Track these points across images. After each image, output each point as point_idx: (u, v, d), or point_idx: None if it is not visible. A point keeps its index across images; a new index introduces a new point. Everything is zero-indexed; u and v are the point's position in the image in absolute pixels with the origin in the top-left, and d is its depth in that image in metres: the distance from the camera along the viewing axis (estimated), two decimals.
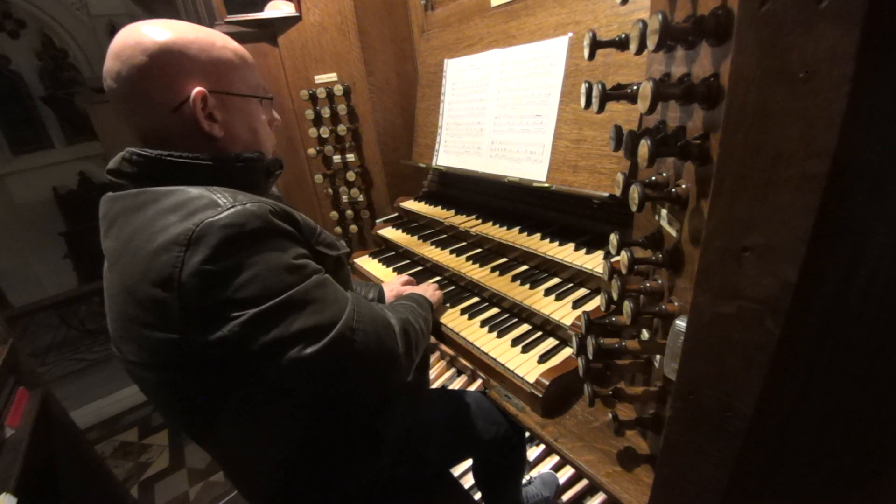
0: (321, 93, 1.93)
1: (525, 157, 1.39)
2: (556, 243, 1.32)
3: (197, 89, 0.76)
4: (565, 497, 1.61)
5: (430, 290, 1.30)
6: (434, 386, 1.67)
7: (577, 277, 1.26)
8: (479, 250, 1.56)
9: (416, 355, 0.94)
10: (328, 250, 0.86)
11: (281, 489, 0.95)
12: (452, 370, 1.73)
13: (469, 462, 1.77)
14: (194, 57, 0.77)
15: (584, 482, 1.63)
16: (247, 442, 0.87)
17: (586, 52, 0.69)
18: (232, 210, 0.68)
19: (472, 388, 1.37)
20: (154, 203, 0.72)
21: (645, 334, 0.80)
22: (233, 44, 0.84)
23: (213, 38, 0.80)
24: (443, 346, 1.29)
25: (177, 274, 0.65)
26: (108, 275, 0.78)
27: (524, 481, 1.61)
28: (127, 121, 0.79)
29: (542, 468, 1.73)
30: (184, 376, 0.74)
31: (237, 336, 0.67)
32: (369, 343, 0.77)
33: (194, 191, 0.71)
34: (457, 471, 1.79)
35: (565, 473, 1.67)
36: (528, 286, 1.27)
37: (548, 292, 1.22)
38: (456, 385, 1.68)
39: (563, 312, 1.13)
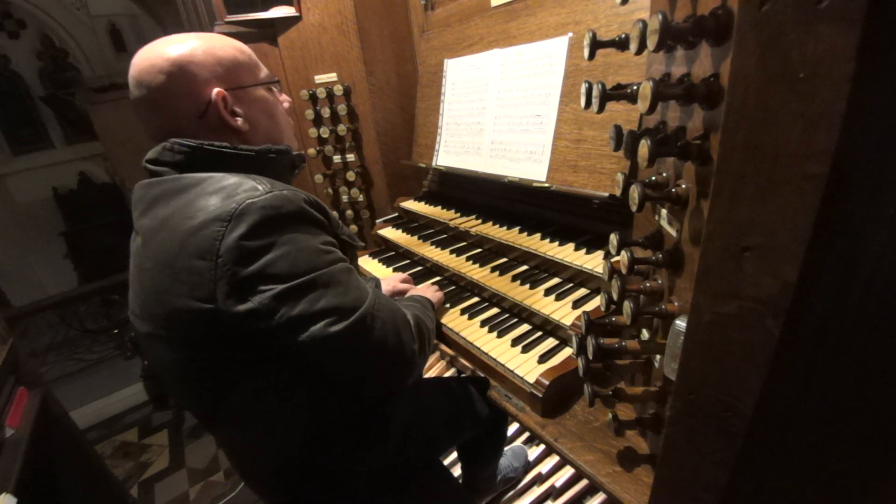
0: (321, 93, 1.94)
1: (525, 157, 1.39)
2: (556, 243, 1.32)
3: (216, 90, 0.83)
4: (565, 497, 1.61)
5: (430, 290, 1.30)
6: None
7: (577, 277, 1.26)
8: (479, 250, 1.56)
9: (428, 352, 0.97)
10: (350, 240, 0.92)
11: (287, 475, 0.96)
12: (453, 370, 1.73)
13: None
14: (204, 63, 0.83)
15: (584, 482, 1.63)
16: (258, 426, 0.89)
17: (586, 52, 0.69)
18: (270, 194, 0.74)
19: None
20: (195, 186, 0.77)
21: (645, 334, 0.80)
22: (230, 41, 0.90)
23: (213, 41, 0.86)
24: (443, 347, 1.29)
25: (216, 246, 0.71)
26: (140, 250, 0.82)
27: None
28: (157, 134, 0.85)
29: (541, 468, 1.73)
30: (206, 351, 0.78)
31: (266, 308, 0.72)
32: (387, 332, 0.81)
33: (234, 178, 0.78)
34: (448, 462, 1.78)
35: (565, 473, 1.67)
36: (528, 286, 1.27)
37: (548, 292, 1.22)
38: None
39: (563, 312, 1.13)
